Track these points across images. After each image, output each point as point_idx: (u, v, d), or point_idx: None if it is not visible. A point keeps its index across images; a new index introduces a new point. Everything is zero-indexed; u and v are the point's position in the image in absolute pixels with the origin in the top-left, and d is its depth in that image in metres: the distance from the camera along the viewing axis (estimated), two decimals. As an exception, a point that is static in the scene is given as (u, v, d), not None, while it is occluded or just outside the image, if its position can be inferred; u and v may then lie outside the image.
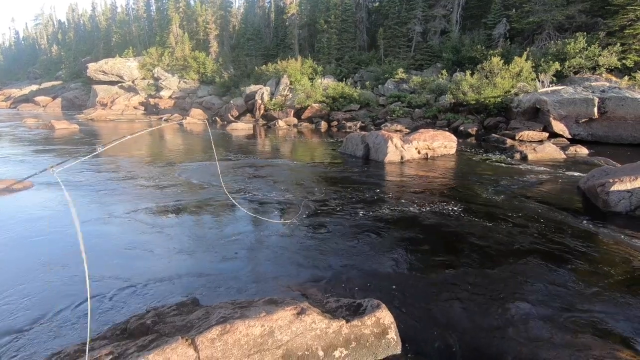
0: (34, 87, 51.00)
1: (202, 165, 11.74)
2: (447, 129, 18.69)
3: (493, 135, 17.33)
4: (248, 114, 29.44)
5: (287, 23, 39.04)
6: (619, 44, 20.30)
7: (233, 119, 28.48)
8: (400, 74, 26.49)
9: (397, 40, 31.68)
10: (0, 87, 57.77)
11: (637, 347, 3.29)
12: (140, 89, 40.30)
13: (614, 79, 19.28)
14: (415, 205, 7.29)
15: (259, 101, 28.71)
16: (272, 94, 29.44)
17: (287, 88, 28.92)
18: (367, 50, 35.04)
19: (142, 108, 38.66)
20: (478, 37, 27.20)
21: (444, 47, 28.72)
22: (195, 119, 30.04)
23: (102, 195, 8.24)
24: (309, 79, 29.00)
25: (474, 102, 20.47)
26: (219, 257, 5.14)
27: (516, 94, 19.60)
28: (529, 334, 3.45)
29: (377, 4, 38.64)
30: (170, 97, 38.90)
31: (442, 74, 24.60)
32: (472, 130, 19.20)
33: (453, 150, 13.30)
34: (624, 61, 20.04)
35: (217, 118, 30.14)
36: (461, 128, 19.65)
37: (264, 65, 34.12)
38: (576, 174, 9.79)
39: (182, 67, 40.93)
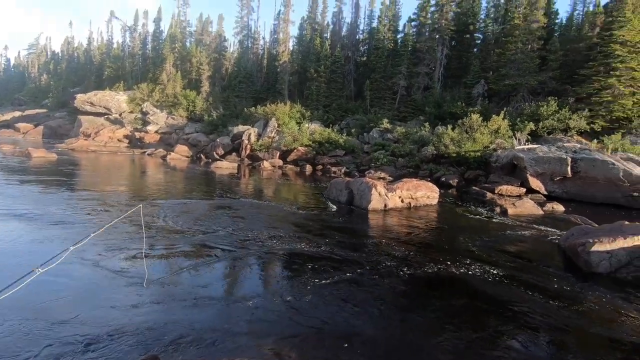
0: (17, 114, 50.10)
1: (178, 203, 11.39)
2: (429, 179, 19.04)
3: (473, 187, 17.70)
4: (234, 153, 29.45)
5: (278, 69, 40.59)
6: (587, 110, 21.79)
7: (218, 157, 28.38)
8: (385, 124, 27.41)
9: (383, 93, 33.19)
10: (-18, 112, 56.57)
11: None
12: (127, 122, 40.17)
13: (584, 140, 20.44)
14: (399, 259, 7.12)
15: (246, 141, 28.91)
16: (259, 135, 29.76)
17: (275, 130, 29.36)
18: (354, 100, 36.44)
19: (127, 141, 38.27)
20: (459, 94, 28.80)
21: (427, 102, 30.17)
22: (180, 154, 29.81)
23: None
24: (297, 123, 29.64)
25: (455, 154, 21.15)
26: (184, 310, 4.74)
27: (495, 150, 20.40)
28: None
29: (365, 58, 40.93)
30: (156, 131, 38.80)
31: (424, 126, 25.59)
32: (454, 181, 19.62)
33: (435, 201, 13.43)
34: (592, 125, 21.41)
35: (202, 155, 29.99)
36: (443, 179, 20.06)
37: (254, 107, 34.83)
38: (555, 230, 9.92)
39: (172, 104, 41.35)
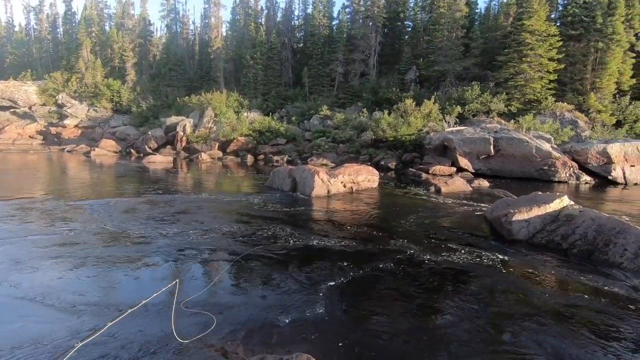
0: None
1: (106, 202, 10.44)
2: (369, 163, 19.67)
3: (410, 169, 18.69)
4: (168, 146, 27.72)
5: (212, 56, 38.70)
6: (504, 93, 23.97)
7: (151, 151, 26.52)
8: (325, 110, 27.62)
9: (321, 79, 33.32)
10: None
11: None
12: (39, 116, 35.70)
13: (503, 121, 22.50)
14: (344, 240, 7.26)
15: (181, 133, 27.34)
16: (195, 126, 28.30)
17: (212, 120, 28.12)
18: (293, 87, 36.14)
19: (40, 137, 34.10)
20: (393, 80, 29.94)
21: (364, 88, 30.94)
22: (106, 150, 27.32)
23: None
24: (235, 112, 28.67)
25: (392, 139, 22.06)
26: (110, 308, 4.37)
27: (427, 133, 21.63)
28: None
29: (301, 44, 40.59)
30: (76, 126, 35.06)
31: (363, 112, 26.25)
32: (392, 164, 20.52)
33: (376, 184, 13.91)
34: (509, 107, 23.64)
35: (132, 150, 27.81)
36: (382, 163, 20.86)
37: (187, 97, 32.94)
38: (482, 205, 10.85)
39: (93, 95, 37.53)
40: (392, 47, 34.85)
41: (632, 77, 24.71)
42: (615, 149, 16.85)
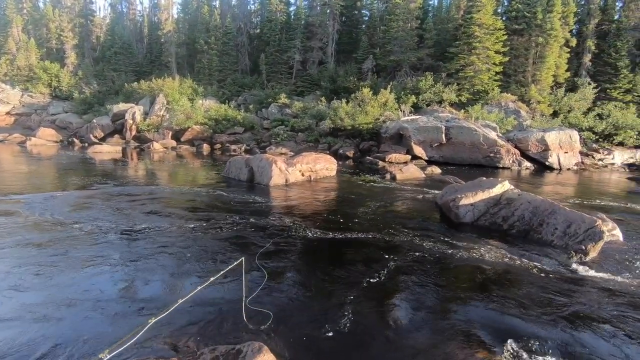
0: None
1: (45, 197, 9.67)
2: (328, 152, 19.84)
3: (368, 157, 19.10)
4: (116, 135, 26.11)
5: (162, 39, 36.63)
6: (455, 84, 25.06)
7: (97, 141, 24.87)
8: (283, 99, 27.31)
9: (279, 67, 32.80)
10: None
11: (489, 345, 3.77)
12: (-38, 102, 31.98)
13: (454, 111, 23.58)
14: (301, 228, 7.30)
15: (130, 121, 25.81)
16: (146, 114, 26.83)
17: (164, 108, 26.79)
18: (250, 74, 35.27)
19: (-35, 126, 30.60)
20: (350, 69, 30.17)
21: (322, 77, 30.92)
22: (45, 139, 25.17)
23: None
24: (189, 99, 27.50)
25: (350, 127, 22.36)
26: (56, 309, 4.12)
27: (384, 122, 22.16)
28: (402, 339, 3.65)
29: (258, 30, 39.54)
30: (8, 113, 31.89)
31: (321, 100, 26.28)
32: (350, 153, 20.84)
33: (334, 172, 14.09)
34: (460, 97, 24.78)
35: (75, 139, 25.86)
36: (341, 151, 21.11)
37: (136, 83, 31.06)
38: (434, 190, 11.38)
39: (27, 79, 34.24)
40: (350, 35, 35.02)
41: (567, 70, 26.84)
42: (551, 137, 18.32)
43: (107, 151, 21.15)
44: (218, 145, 24.04)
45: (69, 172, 14.12)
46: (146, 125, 25.63)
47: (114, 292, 4.63)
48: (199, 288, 3.22)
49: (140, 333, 2.46)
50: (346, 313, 4.23)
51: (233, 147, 22.92)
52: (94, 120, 26.65)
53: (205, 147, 23.48)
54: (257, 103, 28.88)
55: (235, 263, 3.75)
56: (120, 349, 2.35)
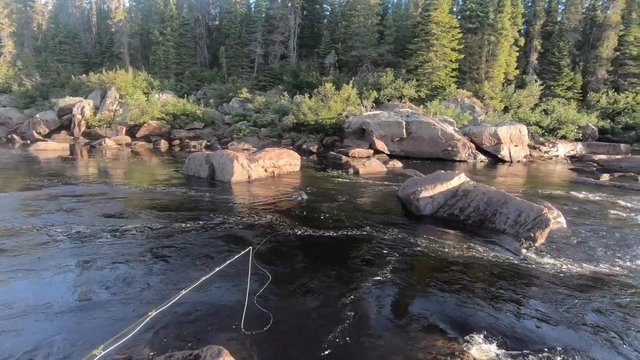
0: None
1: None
2: (292, 147, 19.70)
3: (331, 152, 19.20)
4: (63, 132, 24.33)
5: (113, 29, 34.47)
6: (415, 80, 25.77)
7: (41, 137, 23.01)
8: (245, 93, 26.73)
9: (240, 61, 32.03)
10: None
11: (448, 333, 3.90)
12: None
13: (414, 106, 24.27)
14: (264, 224, 7.18)
15: (79, 116, 24.13)
16: (96, 109, 25.22)
17: (117, 102, 25.30)
18: (210, 68, 34.17)
19: None
20: (313, 64, 30.10)
21: (284, 71, 30.60)
22: (-21, 137, 22.90)
23: None
24: (144, 93, 26.16)
25: (313, 122, 22.33)
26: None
27: (347, 117, 22.35)
28: (362, 331, 3.69)
29: (217, 22, 38.32)
30: None
31: (284, 95, 26.01)
32: (314, 148, 20.84)
33: (297, 168, 14.00)
34: (419, 93, 25.53)
35: (15, 136, 23.78)
36: (304, 146, 21.06)
37: (85, 75, 29.04)
38: (395, 184, 11.64)
39: (-45, 69, 30.92)
40: (312, 30, 34.89)
41: (516, 68, 28.48)
42: (503, 132, 19.37)
43: (53, 148, 19.64)
44: (177, 142, 23.12)
45: (9, 171, 12.94)
46: (97, 121, 24.08)
47: (68, 301, 4.29)
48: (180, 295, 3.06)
49: (138, 328, 2.40)
50: (308, 307, 4.20)
51: (193, 143, 22.14)
52: (37, 115, 24.62)
53: (163, 144, 22.48)
54: (218, 97, 28.05)
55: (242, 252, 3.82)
56: (114, 346, 2.27)
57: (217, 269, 3.43)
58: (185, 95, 28.08)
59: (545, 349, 3.65)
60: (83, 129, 24.08)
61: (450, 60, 26.33)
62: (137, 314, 3.95)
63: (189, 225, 7.10)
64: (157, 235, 6.54)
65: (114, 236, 6.42)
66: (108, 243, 6.11)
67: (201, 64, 34.57)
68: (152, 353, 3.25)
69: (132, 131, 23.82)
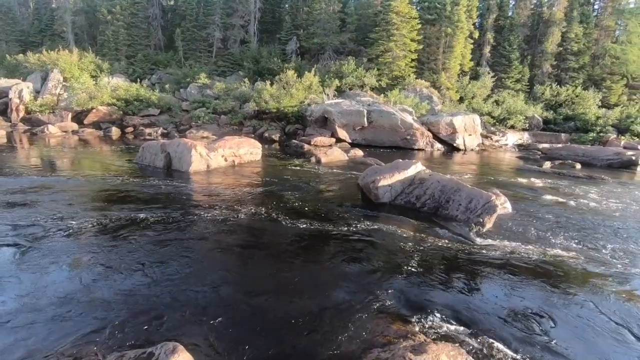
0: None
1: None
2: (253, 135, 19.37)
3: (293, 141, 19.08)
4: (-2, 117, 22.13)
5: (54, 5, 31.59)
6: (376, 69, 26.09)
7: (-29, 124, 20.78)
8: (204, 79, 25.73)
9: (197, 44, 30.70)
10: None
11: (403, 315, 4.10)
12: None
13: (375, 95, 24.64)
14: (223, 215, 7.05)
15: (16, 100, 22.07)
16: (37, 92, 23.20)
17: (60, 86, 23.42)
18: (165, 51, 32.44)
19: None
20: (274, 50, 29.50)
21: (245, 57, 29.75)
22: None
23: None
24: (92, 76, 24.38)
25: (275, 110, 22.01)
26: None
27: (309, 105, 22.25)
28: (320, 316, 3.79)
29: (172, 2, 36.31)
30: None
31: (244, 82, 25.34)
32: (276, 136, 20.61)
33: (259, 157, 13.81)
34: (380, 82, 25.91)
35: (-60, 122, 21.32)
36: (266, 135, 20.75)
37: (22, 55, 26.48)
38: (356, 173, 11.85)
39: None
40: (273, 14, 34.08)
41: (471, 60, 29.68)
42: (458, 121, 20.23)
43: (-14, 136, 17.84)
44: (130, 129, 21.84)
45: None
46: (38, 106, 22.14)
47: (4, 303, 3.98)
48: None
49: None
50: (263, 297, 4.23)
51: (148, 130, 21.05)
52: (-34, 99, 22.18)
53: (115, 131, 21.15)
54: (174, 83, 26.78)
55: None
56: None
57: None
58: (139, 79, 26.54)
59: (493, 327, 3.95)
60: (22, 114, 22.06)
61: (410, 51, 26.90)
62: (82, 317, 3.78)
63: (142, 216, 6.81)
64: (108, 229, 6.22)
65: (62, 235, 6.02)
66: (55, 241, 5.72)
67: (155, 46, 32.72)
68: (103, 351, 3.13)
69: (79, 117, 22.18)
